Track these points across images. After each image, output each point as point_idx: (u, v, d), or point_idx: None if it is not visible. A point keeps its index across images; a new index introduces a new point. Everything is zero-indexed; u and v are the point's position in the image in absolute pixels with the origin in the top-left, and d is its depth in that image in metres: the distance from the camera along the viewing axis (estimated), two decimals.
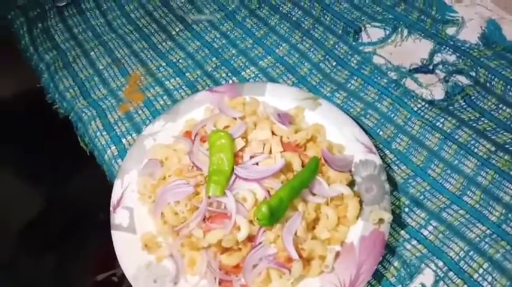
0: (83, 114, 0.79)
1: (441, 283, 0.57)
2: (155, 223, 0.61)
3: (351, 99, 0.76)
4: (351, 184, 0.62)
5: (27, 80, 0.99)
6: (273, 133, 0.64)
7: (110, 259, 0.60)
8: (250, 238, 0.57)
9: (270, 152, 0.61)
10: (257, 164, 0.60)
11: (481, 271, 0.57)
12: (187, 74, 0.83)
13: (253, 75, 0.82)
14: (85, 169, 0.86)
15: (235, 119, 0.65)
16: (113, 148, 0.74)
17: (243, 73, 0.82)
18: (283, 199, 0.55)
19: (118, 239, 0.60)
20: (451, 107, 0.73)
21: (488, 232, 0.60)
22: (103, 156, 0.74)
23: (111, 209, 0.63)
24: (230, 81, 0.81)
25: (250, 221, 0.56)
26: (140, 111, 0.78)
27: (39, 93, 0.87)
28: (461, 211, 0.62)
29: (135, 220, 0.62)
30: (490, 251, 0.58)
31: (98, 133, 0.77)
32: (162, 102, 0.79)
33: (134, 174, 0.65)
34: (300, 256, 0.55)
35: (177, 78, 0.83)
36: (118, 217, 0.62)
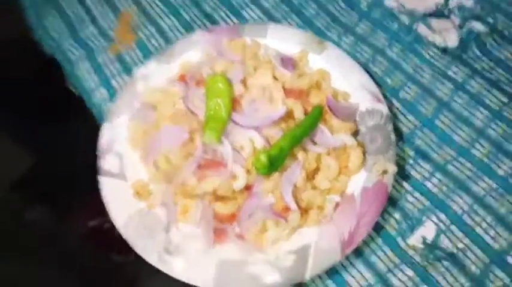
0: (71, 54, 0.74)
1: (442, 236, 0.55)
2: (147, 170, 0.58)
3: (359, 44, 0.71)
4: (355, 134, 0.59)
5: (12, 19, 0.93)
6: (275, 78, 0.59)
7: (102, 205, 0.58)
8: (247, 187, 0.54)
9: (271, 98, 0.57)
10: (257, 110, 0.56)
11: (484, 224, 0.55)
12: (183, 13, 0.77)
13: (255, 16, 0.76)
14: (75, 112, 0.81)
15: (234, 62, 0.61)
16: (103, 90, 0.70)
17: (243, 13, 0.76)
18: (283, 148, 0.52)
19: (107, 185, 0.57)
20: (464, 56, 0.68)
21: (494, 186, 0.58)
22: (92, 99, 0.70)
23: (99, 153, 0.60)
24: (230, 22, 0.76)
25: (248, 170, 0.54)
26: (132, 53, 0.73)
27: (24, 32, 0.82)
28: (468, 164, 0.60)
29: (125, 166, 0.59)
30: (495, 206, 0.56)
31: (87, 75, 0.72)
32: (155, 43, 0.74)
33: (125, 118, 0.61)
34: (298, 206, 0.53)
35: (172, 18, 0.77)
36: (107, 162, 0.59)
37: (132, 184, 0.58)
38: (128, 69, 0.72)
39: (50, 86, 0.85)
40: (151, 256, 0.53)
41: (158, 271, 0.52)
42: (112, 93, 0.70)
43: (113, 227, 0.55)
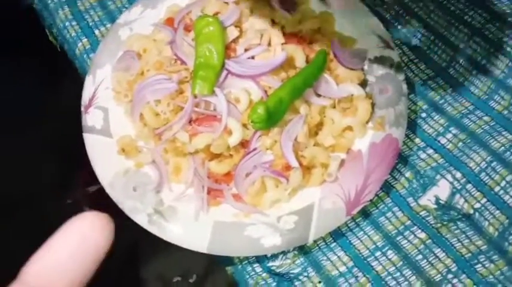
0: (49, 1, 0.67)
1: (457, 195, 0.51)
2: (133, 125, 0.53)
3: None
4: (363, 84, 0.53)
5: None
6: (273, 21, 0.53)
7: None
8: (243, 144, 0.49)
9: (269, 44, 0.51)
10: (253, 57, 0.50)
11: (503, 183, 0.51)
12: None
13: None
14: (57, 66, 0.75)
15: (227, 3, 0.54)
16: (85, 40, 0.64)
17: None
18: (283, 100, 0.47)
19: (91, 142, 0.52)
20: None
21: None
22: (74, 50, 0.64)
23: (82, 109, 0.54)
24: None
25: (244, 125, 0.48)
26: None
27: None
28: (486, 118, 0.54)
29: (110, 121, 0.53)
30: None
31: (67, 23, 0.65)
32: None
33: (108, 69, 0.55)
34: (300, 164, 0.48)
35: None
36: (90, 118, 0.54)
37: (117, 140, 0.52)
38: (111, 16, 0.65)
39: (29, 38, 0.79)
40: (141, 218, 0.49)
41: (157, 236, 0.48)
42: (95, 43, 0.63)
43: None
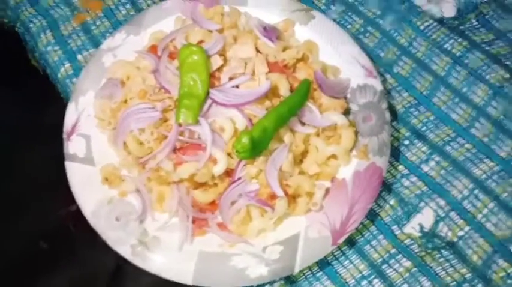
0: (31, 25, 0.67)
1: (441, 223, 0.51)
2: (117, 153, 0.52)
3: (349, 13, 0.65)
4: (346, 113, 0.54)
5: None
6: (257, 50, 0.53)
7: None
8: (229, 172, 0.49)
9: (253, 73, 0.52)
10: (237, 87, 0.51)
11: (485, 211, 0.51)
12: None
13: None
14: (41, 89, 0.74)
15: (212, 32, 0.54)
16: (67, 65, 0.63)
17: None
18: (268, 129, 0.47)
19: (73, 171, 0.51)
20: (462, 27, 0.63)
21: (496, 168, 0.53)
22: (56, 74, 0.63)
23: (64, 136, 0.53)
24: None
25: (229, 154, 0.48)
26: (99, 22, 0.66)
27: None
28: (467, 145, 0.55)
29: (92, 149, 0.52)
30: (497, 190, 0.52)
31: (50, 47, 0.64)
32: (124, 11, 0.66)
33: (91, 96, 0.55)
34: (285, 193, 0.47)
35: None
36: (72, 145, 0.53)
37: (100, 169, 0.52)
38: (94, 41, 0.64)
39: (12, 62, 0.78)
40: (124, 249, 0.48)
41: None
42: (77, 68, 0.62)
43: None
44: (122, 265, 1.08)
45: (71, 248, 1.13)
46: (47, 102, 0.73)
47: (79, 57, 0.63)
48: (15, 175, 1.16)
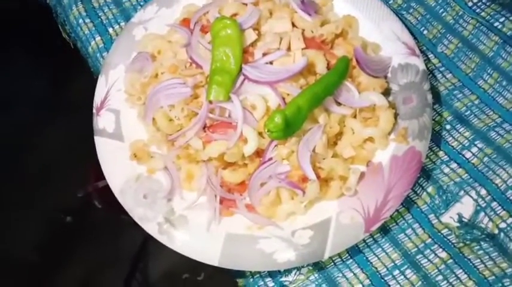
0: None
1: (482, 214, 0.48)
2: (146, 129, 0.51)
3: None
4: (386, 93, 0.51)
5: None
6: (293, 25, 0.51)
7: None
8: (259, 153, 0.48)
9: (289, 48, 0.49)
10: (271, 63, 0.49)
11: None
12: None
13: None
14: (72, 64, 0.74)
15: (246, 4, 0.52)
16: (98, 38, 0.62)
17: None
18: (302, 108, 0.45)
19: (102, 146, 0.51)
20: None
21: None
22: (87, 48, 0.63)
23: (94, 111, 0.53)
24: None
25: (260, 133, 0.47)
26: None
27: None
28: None
29: (122, 125, 0.52)
30: None
31: (81, 20, 0.64)
32: None
33: (121, 69, 0.54)
34: (317, 176, 0.46)
35: None
36: (102, 120, 0.52)
37: (130, 144, 0.51)
38: (126, 14, 0.63)
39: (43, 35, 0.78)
40: (151, 226, 0.47)
41: None
42: (108, 42, 0.62)
43: None
44: (146, 243, 1.10)
45: (96, 225, 1.15)
46: (76, 76, 0.73)
47: (110, 30, 0.63)
48: (42, 149, 1.19)
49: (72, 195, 1.18)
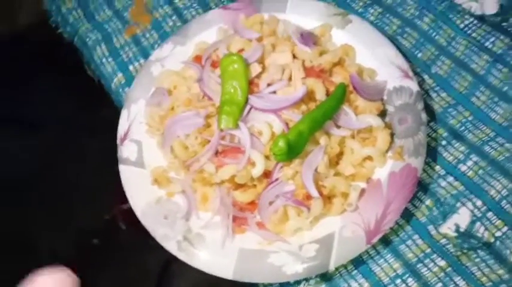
0: (87, 39, 0.73)
1: (478, 223, 0.51)
2: (165, 157, 0.56)
3: (387, 15, 0.66)
4: (382, 114, 0.55)
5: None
6: (294, 57, 0.56)
7: None
8: (266, 174, 0.52)
9: (290, 78, 0.54)
10: (275, 92, 0.53)
11: None
12: None
13: None
14: (96, 98, 0.81)
15: (251, 41, 0.58)
16: (120, 75, 0.69)
17: None
18: (303, 133, 0.49)
19: (126, 173, 0.56)
20: (504, 24, 0.62)
21: None
22: (110, 84, 0.69)
23: (118, 142, 0.59)
24: None
25: (266, 156, 0.51)
26: (148, 35, 0.71)
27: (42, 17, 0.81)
28: (507, 145, 0.55)
29: (143, 153, 0.57)
30: None
31: (104, 59, 0.71)
32: (171, 23, 0.71)
33: (142, 103, 0.60)
34: (321, 194, 0.50)
35: None
36: (125, 150, 0.58)
37: (151, 171, 0.56)
38: (144, 52, 0.70)
39: (71, 73, 0.85)
40: (171, 245, 0.52)
41: None
42: (129, 78, 0.68)
43: None
44: (168, 265, 1.14)
45: (121, 247, 1.20)
46: (101, 109, 0.79)
47: (131, 67, 0.69)
48: (67, 174, 1.24)
49: (98, 217, 1.23)
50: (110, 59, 0.70)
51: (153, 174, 0.56)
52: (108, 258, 1.21)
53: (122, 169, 0.57)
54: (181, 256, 0.51)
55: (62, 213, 1.23)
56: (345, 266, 0.52)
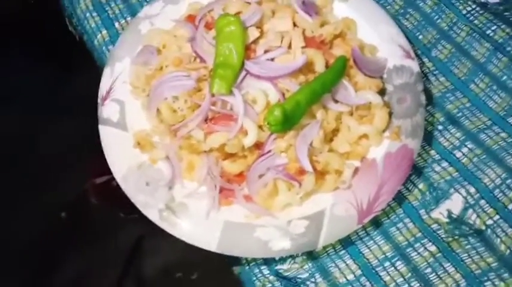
0: None
1: (470, 210, 0.50)
2: (150, 120, 0.53)
3: None
4: (381, 93, 0.53)
5: None
6: (295, 24, 0.53)
7: None
8: (258, 145, 0.49)
9: (289, 46, 0.51)
10: (272, 59, 0.50)
11: None
12: None
13: None
14: (76, 57, 0.75)
15: (249, 3, 0.54)
16: (104, 32, 0.64)
17: None
18: (301, 103, 0.47)
19: (106, 134, 0.53)
20: (507, 13, 0.61)
21: None
22: (93, 41, 0.64)
23: (98, 101, 0.54)
24: None
25: (260, 126, 0.48)
26: None
27: None
28: (503, 134, 0.54)
29: (126, 115, 0.53)
30: None
31: (88, 14, 0.66)
32: None
33: (127, 62, 0.56)
34: (314, 169, 0.47)
35: None
36: (107, 110, 0.54)
37: (133, 134, 0.53)
38: (132, 10, 0.65)
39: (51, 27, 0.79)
40: (152, 213, 0.49)
41: (162, 231, 0.48)
42: (114, 36, 0.63)
43: (119, 187, 0.51)
44: (141, 241, 1.11)
45: (92, 221, 1.16)
46: (82, 68, 0.74)
47: (116, 24, 0.64)
48: (41, 146, 1.19)
49: (69, 191, 1.19)
50: (94, 14, 0.65)
51: (136, 137, 0.52)
52: (77, 233, 1.17)
53: (102, 130, 0.53)
54: (163, 225, 0.48)
55: (30, 186, 1.18)
56: (333, 246, 0.50)
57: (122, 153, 0.52)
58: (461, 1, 0.62)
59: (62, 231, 1.17)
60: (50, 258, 1.14)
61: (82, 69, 0.79)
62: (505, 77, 0.57)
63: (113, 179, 0.51)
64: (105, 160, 0.52)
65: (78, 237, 1.16)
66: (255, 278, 0.50)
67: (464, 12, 0.62)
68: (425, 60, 0.60)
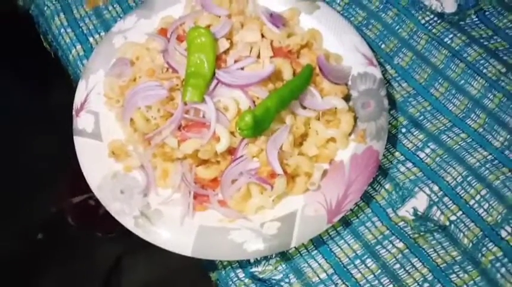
0: (45, 8, 0.69)
1: (435, 208, 0.53)
2: (124, 129, 0.54)
3: (353, 6, 0.67)
4: (347, 99, 0.55)
5: None
6: (263, 36, 0.55)
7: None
8: (231, 151, 0.51)
9: (258, 56, 0.54)
10: (242, 69, 0.53)
11: (478, 197, 0.53)
12: None
13: None
14: (50, 73, 0.76)
15: (219, 17, 0.56)
16: (79, 47, 0.65)
17: None
18: (270, 109, 0.49)
19: (81, 145, 0.53)
20: (462, 23, 0.65)
21: (489, 157, 0.55)
22: (67, 56, 0.65)
23: (73, 113, 0.55)
24: None
25: (232, 132, 0.50)
26: (111, 7, 0.68)
27: None
28: (462, 135, 0.57)
29: (101, 125, 0.55)
30: (490, 178, 0.54)
31: (62, 30, 0.67)
32: None
33: (101, 74, 0.57)
34: (284, 172, 0.49)
35: None
36: (81, 121, 0.55)
37: (108, 143, 0.54)
38: (106, 25, 0.67)
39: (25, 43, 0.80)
40: (127, 220, 0.50)
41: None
42: (89, 50, 0.65)
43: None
44: (119, 261, 1.10)
45: (69, 242, 1.14)
46: (57, 83, 0.75)
47: (91, 39, 0.66)
48: (18, 164, 1.17)
49: (46, 211, 1.17)
50: (68, 30, 0.66)
51: (111, 147, 0.53)
52: (54, 253, 1.15)
53: (77, 141, 0.54)
54: (138, 232, 0.49)
55: (6, 205, 1.16)
56: (305, 247, 0.52)
57: (97, 163, 0.53)
58: (420, 12, 0.66)
59: (38, 252, 1.15)
60: (26, 280, 1.12)
61: (57, 85, 0.80)
62: (462, 82, 0.60)
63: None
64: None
65: (56, 258, 1.14)
66: (231, 283, 0.51)
67: (423, 22, 0.65)
68: (388, 67, 0.63)
